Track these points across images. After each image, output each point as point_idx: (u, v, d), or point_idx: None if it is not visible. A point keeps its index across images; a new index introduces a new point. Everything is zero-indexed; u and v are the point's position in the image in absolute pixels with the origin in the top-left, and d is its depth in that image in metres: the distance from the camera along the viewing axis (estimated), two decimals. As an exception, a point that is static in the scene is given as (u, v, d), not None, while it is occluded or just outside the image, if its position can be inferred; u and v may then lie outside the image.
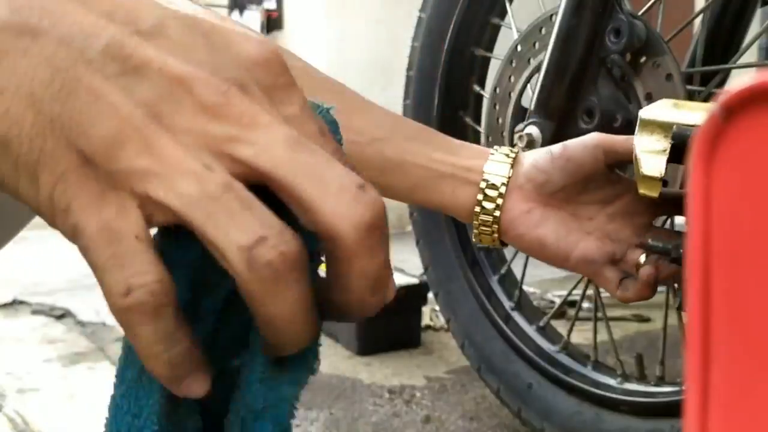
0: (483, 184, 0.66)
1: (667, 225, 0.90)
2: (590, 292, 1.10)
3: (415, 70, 1.23)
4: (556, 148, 0.66)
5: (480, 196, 0.67)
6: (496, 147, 0.69)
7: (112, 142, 0.27)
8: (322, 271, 0.31)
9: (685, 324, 0.29)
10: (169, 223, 0.28)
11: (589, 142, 0.65)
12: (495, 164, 0.67)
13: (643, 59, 0.86)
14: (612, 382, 1.02)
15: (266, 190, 0.28)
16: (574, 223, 0.66)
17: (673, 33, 0.90)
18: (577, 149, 0.65)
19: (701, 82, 0.93)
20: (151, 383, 0.31)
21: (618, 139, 0.65)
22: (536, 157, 0.66)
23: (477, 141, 1.18)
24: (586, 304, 1.59)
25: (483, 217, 0.67)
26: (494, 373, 1.14)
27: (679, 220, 0.89)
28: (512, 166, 0.67)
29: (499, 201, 0.66)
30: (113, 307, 0.27)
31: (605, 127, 0.88)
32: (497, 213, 0.67)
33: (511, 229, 0.67)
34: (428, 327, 1.66)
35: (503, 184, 0.66)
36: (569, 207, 0.66)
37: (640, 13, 0.88)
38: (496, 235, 0.68)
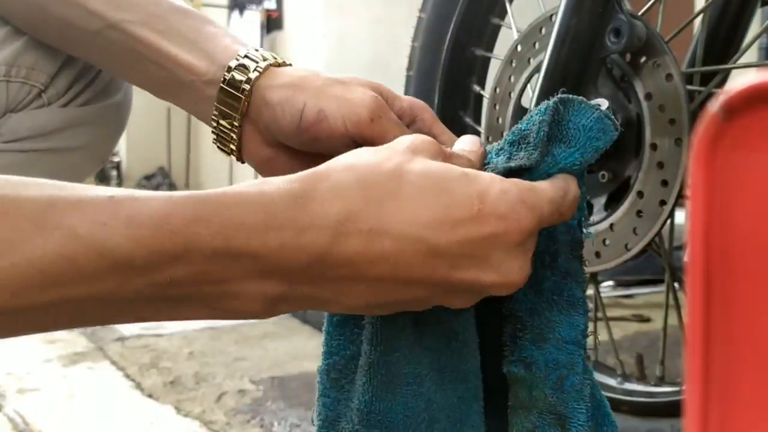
0: (216, 112, 0.61)
1: (668, 224, 0.90)
2: (590, 292, 1.10)
3: (415, 70, 1.23)
4: (309, 116, 0.57)
5: (215, 123, 0.61)
6: (246, 53, 0.61)
7: None
8: None
9: (685, 324, 0.29)
10: None
11: (347, 129, 0.57)
12: (230, 94, 0.60)
13: (643, 59, 0.86)
14: (612, 382, 1.02)
15: None
16: None
17: (673, 33, 0.90)
18: (332, 135, 0.57)
19: (701, 82, 0.93)
20: None
21: (376, 133, 0.57)
22: (279, 115, 0.58)
23: (477, 141, 1.18)
24: (586, 304, 1.58)
25: (223, 147, 0.63)
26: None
27: (679, 218, 0.89)
28: (247, 99, 0.59)
29: (234, 135, 0.61)
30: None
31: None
32: (233, 146, 0.62)
33: (254, 166, 0.62)
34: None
35: (235, 125, 0.60)
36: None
37: (640, 13, 0.88)
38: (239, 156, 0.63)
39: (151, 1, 0.63)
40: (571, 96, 0.50)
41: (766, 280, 0.27)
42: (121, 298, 0.39)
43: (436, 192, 0.43)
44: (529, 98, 0.93)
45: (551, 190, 0.47)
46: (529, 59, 0.99)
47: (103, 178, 7.14)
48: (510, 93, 1.02)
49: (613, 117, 0.51)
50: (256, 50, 0.61)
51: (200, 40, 0.62)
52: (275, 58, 0.61)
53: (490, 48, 1.20)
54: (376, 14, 4.29)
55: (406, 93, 1.25)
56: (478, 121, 1.19)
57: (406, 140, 0.47)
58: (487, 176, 0.46)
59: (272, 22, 5.03)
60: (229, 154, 0.63)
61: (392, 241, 0.42)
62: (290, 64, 0.62)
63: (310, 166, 0.57)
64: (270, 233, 0.40)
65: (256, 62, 0.60)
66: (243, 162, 0.64)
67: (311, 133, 0.58)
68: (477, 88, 1.20)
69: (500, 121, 1.03)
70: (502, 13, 1.15)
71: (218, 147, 0.64)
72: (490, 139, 1.05)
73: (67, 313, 0.39)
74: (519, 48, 1.00)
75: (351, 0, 4.37)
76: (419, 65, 1.22)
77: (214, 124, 0.62)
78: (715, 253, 0.27)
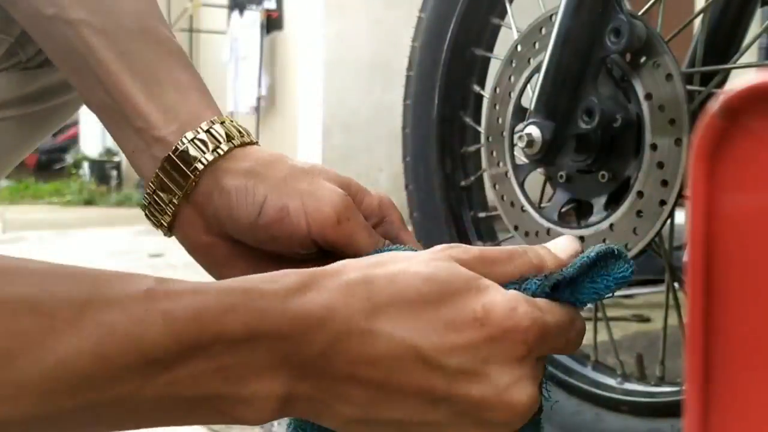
0: (154, 180, 0.53)
1: (668, 224, 0.90)
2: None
3: (415, 70, 1.23)
4: (270, 212, 0.51)
5: (150, 190, 0.54)
6: (210, 128, 0.53)
7: None
8: None
9: (685, 324, 0.29)
10: None
11: (309, 230, 0.52)
12: (177, 167, 0.53)
13: (643, 59, 0.86)
14: (612, 382, 1.02)
15: None
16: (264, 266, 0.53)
17: (673, 33, 0.90)
18: (292, 235, 0.52)
19: (701, 82, 0.93)
20: None
21: (342, 236, 0.52)
22: (233, 204, 0.52)
23: (477, 141, 1.18)
24: (586, 304, 1.58)
25: (153, 218, 0.55)
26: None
27: (679, 218, 0.89)
28: (196, 180, 0.52)
29: (169, 213, 0.54)
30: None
31: (605, 127, 0.88)
32: (165, 222, 0.55)
33: (187, 249, 0.56)
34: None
35: (174, 202, 0.53)
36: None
37: (640, 13, 0.88)
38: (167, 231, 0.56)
39: (129, 11, 0.54)
40: (619, 249, 0.48)
41: (766, 280, 0.27)
42: (138, 399, 0.37)
43: (438, 299, 0.42)
44: (529, 98, 0.93)
45: (560, 313, 0.45)
46: (529, 59, 0.99)
47: (102, 178, 7.14)
48: (510, 93, 1.02)
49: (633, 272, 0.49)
50: (222, 122, 0.54)
51: (166, 84, 0.53)
52: (242, 136, 0.54)
53: (490, 48, 1.20)
54: (376, 14, 4.29)
55: (406, 93, 1.25)
56: (478, 121, 1.19)
57: (440, 246, 0.46)
58: (499, 292, 0.43)
59: (272, 22, 5.03)
60: (157, 226, 0.56)
61: (387, 345, 0.41)
62: (256, 143, 0.55)
63: (252, 261, 0.54)
64: (284, 321, 0.40)
65: (218, 142, 0.52)
66: (170, 236, 0.56)
67: (270, 231, 0.52)
68: (477, 88, 1.20)
69: (500, 121, 1.03)
70: (502, 13, 1.15)
71: (146, 215, 0.56)
72: (491, 139, 1.05)
73: (84, 420, 0.37)
74: (519, 48, 1.00)
75: (351, 0, 4.37)
76: (419, 65, 1.22)
77: (149, 191, 0.54)
78: (715, 253, 0.27)
